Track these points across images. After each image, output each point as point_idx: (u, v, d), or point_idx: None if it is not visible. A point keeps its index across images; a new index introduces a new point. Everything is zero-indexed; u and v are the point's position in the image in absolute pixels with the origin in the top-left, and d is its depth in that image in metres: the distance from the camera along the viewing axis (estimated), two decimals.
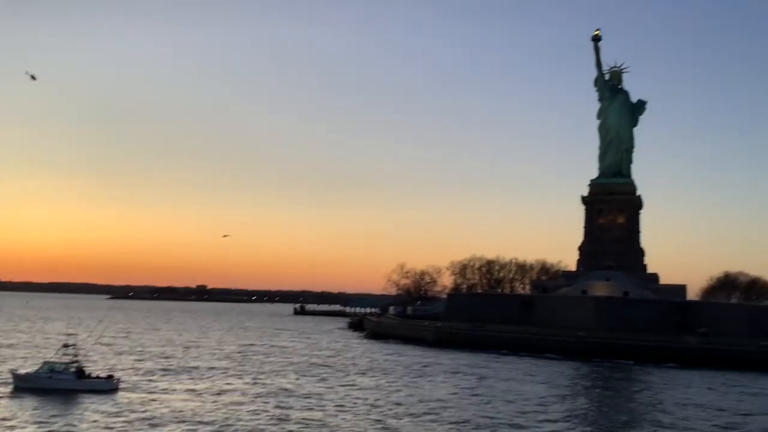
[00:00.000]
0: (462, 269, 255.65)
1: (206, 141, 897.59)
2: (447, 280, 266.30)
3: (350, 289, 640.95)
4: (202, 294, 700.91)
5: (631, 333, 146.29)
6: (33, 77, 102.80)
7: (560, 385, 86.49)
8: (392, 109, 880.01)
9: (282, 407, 61.83)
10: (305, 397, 67.84)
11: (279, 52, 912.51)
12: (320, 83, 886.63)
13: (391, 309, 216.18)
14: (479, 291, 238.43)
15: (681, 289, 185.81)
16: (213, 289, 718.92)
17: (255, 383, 77.07)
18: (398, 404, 65.85)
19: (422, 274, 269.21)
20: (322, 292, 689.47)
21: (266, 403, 64.02)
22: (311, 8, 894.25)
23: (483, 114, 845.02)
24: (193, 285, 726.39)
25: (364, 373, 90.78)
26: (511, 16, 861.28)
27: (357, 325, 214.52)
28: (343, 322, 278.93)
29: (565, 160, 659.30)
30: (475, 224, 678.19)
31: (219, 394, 68.35)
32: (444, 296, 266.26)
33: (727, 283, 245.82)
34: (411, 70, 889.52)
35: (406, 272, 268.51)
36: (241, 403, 62.93)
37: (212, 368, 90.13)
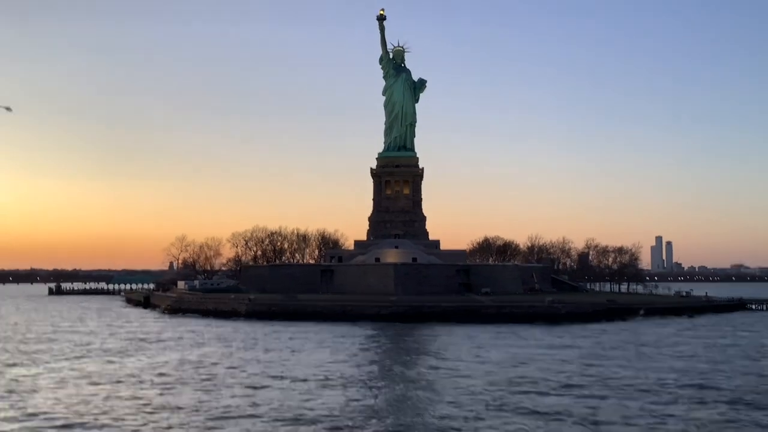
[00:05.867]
0: (246, 241, 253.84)
1: None
2: (229, 252, 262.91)
3: (87, 266, 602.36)
4: None
5: (426, 296, 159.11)
6: (8, 109, 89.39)
7: (391, 347, 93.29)
8: (176, 78, 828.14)
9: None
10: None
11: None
12: (100, 48, 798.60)
13: (182, 284, 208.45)
14: (264, 263, 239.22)
15: (462, 253, 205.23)
16: None
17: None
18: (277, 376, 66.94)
19: (202, 247, 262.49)
20: (54, 269, 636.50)
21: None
22: None
23: (268, 87, 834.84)
24: None
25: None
26: None
27: (143, 302, 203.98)
28: (113, 299, 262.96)
29: (346, 134, 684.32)
30: (256, 195, 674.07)
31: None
32: (223, 269, 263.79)
33: (485, 247, 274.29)
34: (196, 40, 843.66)
35: (186, 245, 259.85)
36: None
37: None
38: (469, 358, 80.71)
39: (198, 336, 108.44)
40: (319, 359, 79.96)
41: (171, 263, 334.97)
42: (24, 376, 68.30)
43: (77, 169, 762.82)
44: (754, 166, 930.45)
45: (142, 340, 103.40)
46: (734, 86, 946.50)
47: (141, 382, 64.84)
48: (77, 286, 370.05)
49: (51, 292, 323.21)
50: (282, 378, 66.89)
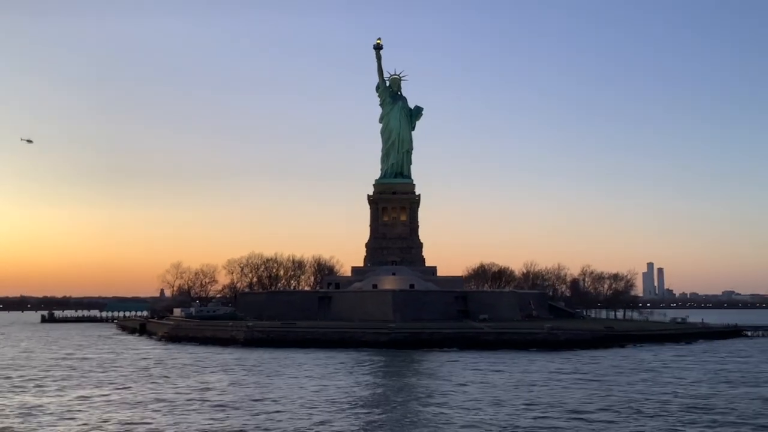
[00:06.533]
0: (242, 268, 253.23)
1: None
2: (224, 279, 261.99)
3: (77, 293, 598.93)
4: None
5: (424, 322, 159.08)
6: (29, 141, 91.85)
7: (385, 374, 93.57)
8: (171, 104, 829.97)
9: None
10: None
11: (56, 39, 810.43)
12: (99, 73, 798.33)
13: (178, 311, 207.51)
14: (260, 289, 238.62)
15: (459, 280, 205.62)
16: None
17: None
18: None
19: (197, 273, 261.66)
20: (45, 297, 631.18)
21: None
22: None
23: (264, 114, 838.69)
24: None
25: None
26: (306, 15, 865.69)
27: (139, 329, 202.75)
28: (107, 327, 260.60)
29: (342, 161, 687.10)
30: (250, 222, 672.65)
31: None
32: (218, 296, 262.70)
33: (480, 273, 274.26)
34: (194, 62, 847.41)
35: (182, 272, 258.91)
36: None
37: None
38: (475, 385, 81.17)
39: (201, 363, 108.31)
40: (326, 385, 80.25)
41: (162, 290, 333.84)
42: (50, 403, 68.45)
43: (67, 196, 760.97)
44: (745, 194, 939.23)
45: (148, 368, 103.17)
46: (724, 117, 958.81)
47: (155, 408, 65.08)
48: (70, 313, 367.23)
49: (44, 319, 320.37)
50: (292, 403, 67.16)
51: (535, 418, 60.26)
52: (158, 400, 69.85)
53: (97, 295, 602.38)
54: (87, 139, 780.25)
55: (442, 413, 62.38)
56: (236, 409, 64.85)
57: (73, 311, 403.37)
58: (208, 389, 78.04)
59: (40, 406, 66.70)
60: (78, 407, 66.04)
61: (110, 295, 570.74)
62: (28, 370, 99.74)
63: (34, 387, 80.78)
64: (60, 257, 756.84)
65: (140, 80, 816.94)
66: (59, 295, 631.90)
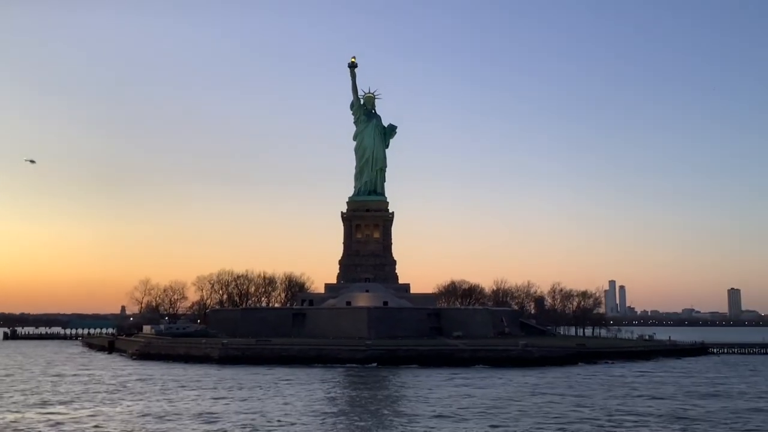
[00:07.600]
0: (212, 284, 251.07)
1: None
2: (194, 296, 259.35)
3: (35, 310, 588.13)
4: None
5: (398, 339, 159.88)
6: (32, 161, 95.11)
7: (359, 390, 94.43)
8: (137, 117, 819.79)
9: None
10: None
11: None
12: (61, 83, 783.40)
13: (148, 328, 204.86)
14: (230, 306, 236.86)
15: (431, 297, 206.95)
16: None
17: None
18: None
19: (166, 290, 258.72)
20: (2, 314, 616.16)
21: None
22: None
23: (234, 129, 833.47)
24: None
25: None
26: (283, 23, 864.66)
27: (108, 347, 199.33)
28: (71, 345, 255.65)
29: (314, 177, 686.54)
30: (219, 239, 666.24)
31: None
32: (187, 313, 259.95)
33: (451, 290, 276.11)
34: (166, 74, 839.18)
35: (150, 289, 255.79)
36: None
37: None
38: (460, 399, 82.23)
39: (181, 380, 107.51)
40: (313, 400, 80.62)
41: (123, 307, 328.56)
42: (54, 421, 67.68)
43: (23, 211, 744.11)
44: (704, 214, 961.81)
45: (126, 386, 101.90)
46: (685, 138, 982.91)
47: (149, 424, 64.86)
48: (31, 330, 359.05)
49: (6, 336, 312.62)
50: (283, 419, 67.51)
51: (525, 430, 61.53)
52: (147, 415, 69.47)
53: (55, 312, 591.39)
54: (46, 153, 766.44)
55: (433, 427, 63.33)
56: (229, 424, 64.95)
57: (34, 328, 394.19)
58: (195, 405, 77.78)
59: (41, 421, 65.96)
60: (77, 423, 65.47)
61: (69, 312, 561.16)
62: (18, 386, 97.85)
63: (32, 404, 79.35)
64: (17, 274, 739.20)
65: (105, 92, 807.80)
66: (17, 312, 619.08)
